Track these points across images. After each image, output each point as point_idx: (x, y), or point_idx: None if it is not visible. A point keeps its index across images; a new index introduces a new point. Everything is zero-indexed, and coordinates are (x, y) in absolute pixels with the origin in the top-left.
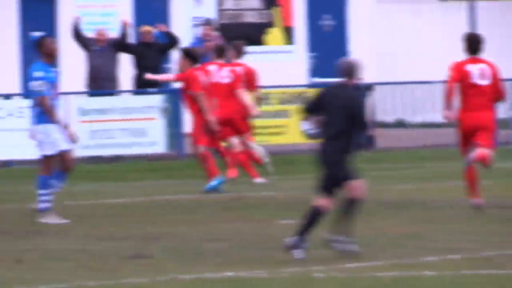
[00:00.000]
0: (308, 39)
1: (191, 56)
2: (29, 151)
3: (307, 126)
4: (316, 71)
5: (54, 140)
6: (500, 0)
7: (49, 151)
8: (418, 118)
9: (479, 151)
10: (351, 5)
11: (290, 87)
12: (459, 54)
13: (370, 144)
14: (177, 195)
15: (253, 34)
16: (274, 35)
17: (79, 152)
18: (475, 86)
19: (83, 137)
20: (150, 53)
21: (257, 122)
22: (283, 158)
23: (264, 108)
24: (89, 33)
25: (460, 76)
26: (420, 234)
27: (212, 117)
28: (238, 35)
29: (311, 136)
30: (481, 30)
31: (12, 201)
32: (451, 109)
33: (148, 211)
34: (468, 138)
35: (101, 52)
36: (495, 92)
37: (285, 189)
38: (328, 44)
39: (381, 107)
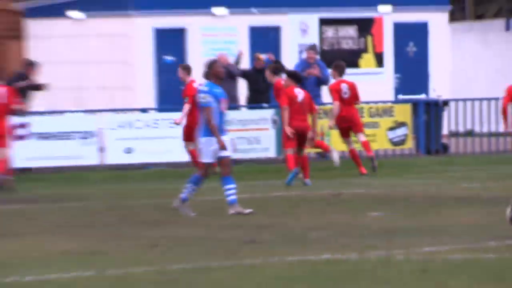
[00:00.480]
0: (395, 62)
1: (293, 76)
2: (163, 156)
3: (392, 135)
4: (400, 89)
5: (212, 151)
6: None
7: (206, 159)
8: (485, 129)
9: None
10: (431, 34)
11: (379, 102)
12: None
13: (444, 150)
14: (285, 192)
15: (350, 59)
16: (367, 59)
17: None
18: None
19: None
20: (261, 78)
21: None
22: None
23: None
24: (211, 57)
25: (511, 97)
26: (484, 224)
27: (287, 128)
28: (336, 59)
29: (395, 144)
30: None
31: (148, 197)
32: (509, 122)
33: (262, 205)
34: None
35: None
36: None
37: (376, 187)
38: (411, 66)
39: (454, 119)
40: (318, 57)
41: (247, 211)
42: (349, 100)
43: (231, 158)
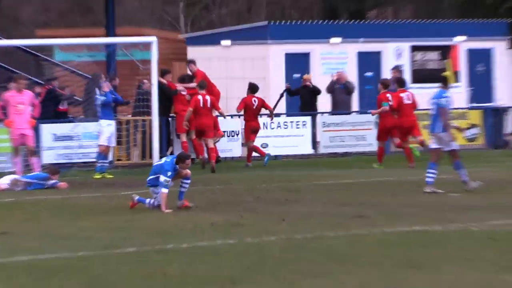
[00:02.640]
0: (468, 78)
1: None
2: (290, 149)
3: (467, 133)
4: (472, 99)
5: (449, 142)
6: None
7: (448, 148)
8: None
9: None
10: (494, 57)
11: (456, 109)
12: None
13: (506, 145)
14: (384, 177)
15: (433, 76)
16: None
17: (323, 150)
18: None
19: (325, 141)
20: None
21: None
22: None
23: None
24: (328, 75)
25: None
26: None
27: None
28: (423, 77)
29: (469, 140)
30: None
31: (278, 181)
32: None
33: (366, 187)
34: None
35: (340, 89)
36: None
37: (453, 174)
38: (480, 81)
39: None
40: (399, 75)
41: (440, 191)
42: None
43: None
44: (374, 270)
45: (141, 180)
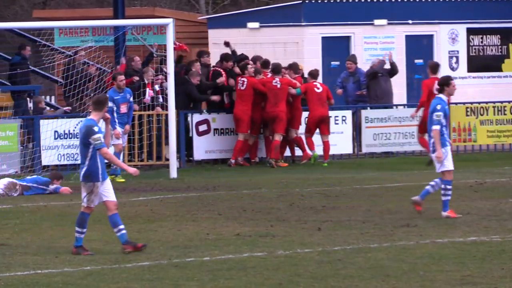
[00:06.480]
0: None
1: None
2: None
3: None
4: None
5: None
6: None
7: None
8: None
9: None
10: None
11: None
12: None
13: None
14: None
15: (493, 64)
16: (508, 64)
17: (364, 149)
18: None
19: (368, 139)
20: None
21: (496, 127)
22: None
23: (500, 117)
24: (369, 62)
25: None
26: None
27: None
28: (482, 64)
29: None
30: None
31: (314, 185)
32: None
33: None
34: None
35: (382, 77)
36: None
37: None
38: None
39: None
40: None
41: None
42: None
43: None
44: None
45: (155, 184)
